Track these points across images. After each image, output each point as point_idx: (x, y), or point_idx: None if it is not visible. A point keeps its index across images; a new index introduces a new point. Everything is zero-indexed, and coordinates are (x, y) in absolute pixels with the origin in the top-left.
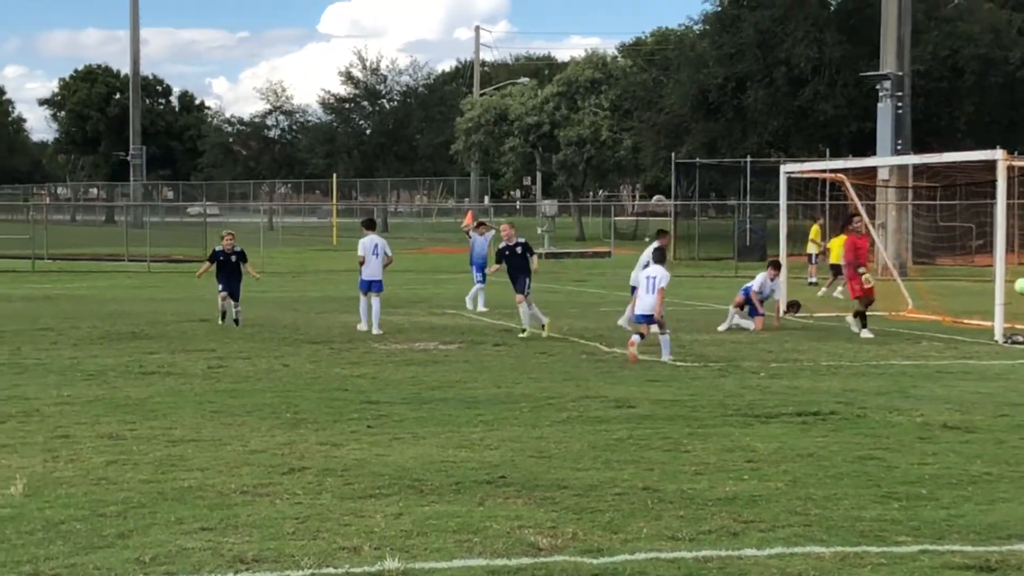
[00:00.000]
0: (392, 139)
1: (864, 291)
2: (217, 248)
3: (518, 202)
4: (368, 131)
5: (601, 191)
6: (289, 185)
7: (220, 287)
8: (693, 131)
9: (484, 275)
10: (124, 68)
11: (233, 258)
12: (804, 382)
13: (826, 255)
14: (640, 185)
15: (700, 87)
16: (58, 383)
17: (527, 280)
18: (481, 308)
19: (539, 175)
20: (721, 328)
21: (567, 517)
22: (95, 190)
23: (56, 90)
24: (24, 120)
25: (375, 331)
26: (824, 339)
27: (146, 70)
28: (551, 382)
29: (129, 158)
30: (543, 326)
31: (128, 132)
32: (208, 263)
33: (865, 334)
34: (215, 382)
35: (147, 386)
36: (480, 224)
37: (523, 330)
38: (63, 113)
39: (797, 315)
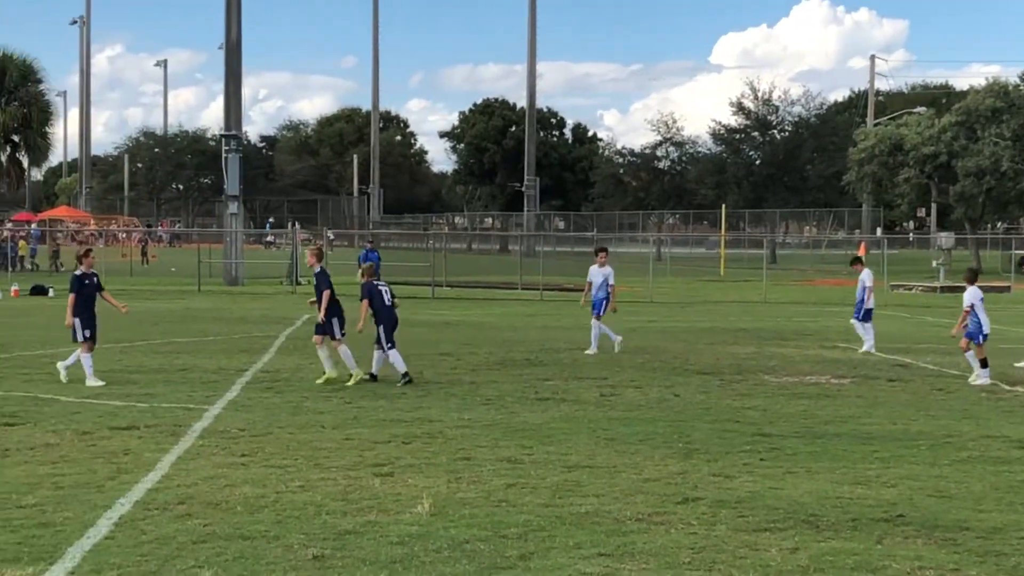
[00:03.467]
0: (782, 170)
1: None
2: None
3: (911, 234)
4: (758, 162)
5: (1000, 223)
6: (678, 216)
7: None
8: None
9: None
10: (520, 101)
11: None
12: None
13: None
14: None
15: None
16: (459, 407)
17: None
18: None
19: (934, 207)
20: None
21: (970, 560)
22: (490, 220)
23: (456, 123)
24: (426, 152)
25: (616, 349)
26: None
27: (541, 103)
28: (949, 420)
29: (523, 189)
30: (351, 376)
31: (523, 163)
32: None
33: None
34: (608, 410)
35: (542, 412)
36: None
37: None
38: (462, 145)
39: None
